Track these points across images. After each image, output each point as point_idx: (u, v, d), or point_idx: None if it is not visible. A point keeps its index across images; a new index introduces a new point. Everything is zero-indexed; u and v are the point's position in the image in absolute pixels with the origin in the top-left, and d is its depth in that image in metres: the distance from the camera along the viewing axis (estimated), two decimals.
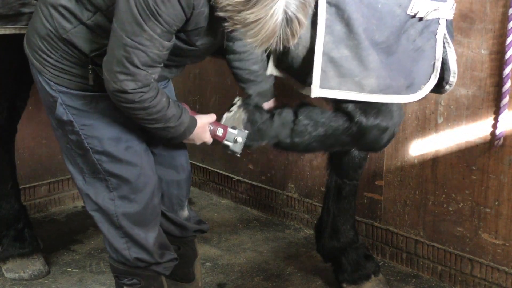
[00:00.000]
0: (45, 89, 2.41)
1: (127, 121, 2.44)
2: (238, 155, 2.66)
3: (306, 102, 2.74)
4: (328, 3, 2.50)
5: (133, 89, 2.17)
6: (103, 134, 2.42)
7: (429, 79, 2.67)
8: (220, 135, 2.59)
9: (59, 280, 3.42)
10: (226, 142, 2.61)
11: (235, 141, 2.61)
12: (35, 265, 3.43)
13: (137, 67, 2.15)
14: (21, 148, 4.03)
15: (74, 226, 4.06)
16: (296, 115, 2.70)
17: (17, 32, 2.80)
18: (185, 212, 2.86)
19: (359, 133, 2.68)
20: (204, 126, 2.52)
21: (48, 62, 2.36)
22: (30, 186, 4.18)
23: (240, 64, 2.66)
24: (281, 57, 2.70)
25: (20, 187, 3.59)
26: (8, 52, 3.09)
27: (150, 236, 2.57)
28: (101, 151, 2.43)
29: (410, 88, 2.64)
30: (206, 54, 2.50)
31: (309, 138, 2.70)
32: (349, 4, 2.49)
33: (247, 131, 2.64)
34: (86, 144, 2.42)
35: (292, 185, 4.05)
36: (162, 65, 2.24)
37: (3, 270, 3.44)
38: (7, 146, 3.37)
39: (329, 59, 2.54)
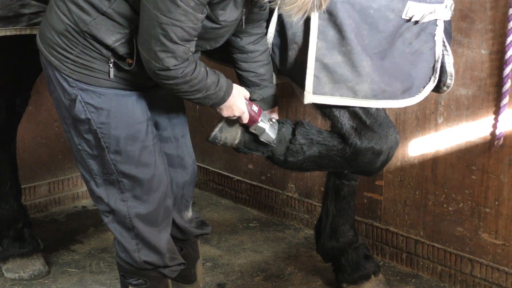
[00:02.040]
0: (63, 86, 2.39)
1: (144, 120, 2.45)
2: (273, 144, 2.63)
3: (305, 121, 2.73)
4: None
5: (174, 65, 2.20)
6: (120, 133, 2.41)
7: (429, 81, 2.67)
8: (256, 111, 2.56)
9: (59, 280, 3.42)
10: (261, 124, 2.58)
11: (271, 123, 2.61)
12: (35, 265, 3.43)
13: (176, 43, 2.17)
14: (21, 148, 4.03)
15: (74, 226, 4.06)
16: (294, 133, 2.68)
17: (18, 33, 2.80)
18: (189, 213, 2.87)
19: (353, 155, 2.67)
20: (240, 92, 2.51)
21: (68, 58, 2.34)
22: (30, 186, 4.18)
23: (246, 65, 2.65)
24: (281, 63, 2.69)
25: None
26: (8, 53, 3.08)
27: (163, 238, 2.58)
28: (117, 151, 2.42)
29: (408, 91, 2.63)
30: (224, 37, 2.49)
31: (303, 158, 2.68)
32: (340, 10, 2.49)
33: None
34: (103, 143, 2.41)
35: (292, 185, 4.05)
36: (196, 38, 2.26)
37: (3, 270, 3.44)
38: (7, 145, 3.37)
39: (322, 65, 2.54)
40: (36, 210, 4.21)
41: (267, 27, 2.65)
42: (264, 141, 2.62)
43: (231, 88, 2.45)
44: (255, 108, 2.55)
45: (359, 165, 2.70)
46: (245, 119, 2.54)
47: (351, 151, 2.66)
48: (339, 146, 2.68)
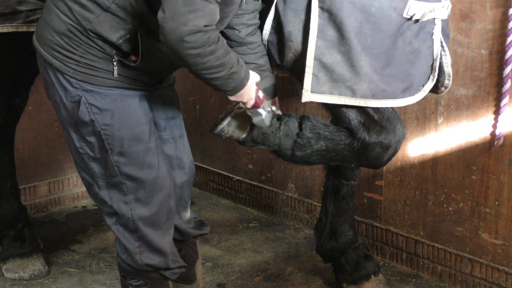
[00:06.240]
0: (66, 88, 2.37)
1: (147, 122, 2.45)
2: (265, 130, 2.59)
3: (311, 115, 2.72)
4: (321, 8, 2.50)
5: (205, 25, 2.13)
6: (124, 135, 2.40)
7: (428, 80, 2.67)
8: (261, 97, 2.49)
9: (59, 280, 3.42)
10: (260, 110, 2.53)
11: (269, 110, 2.57)
12: (35, 265, 3.43)
13: (205, 0, 2.12)
14: (21, 148, 4.03)
15: (74, 226, 4.06)
16: (301, 127, 2.67)
17: (14, 30, 2.81)
18: (188, 213, 2.86)
19: (361, 149, 2.66)
20: (254, 78, 2.44)
21: (70, 58, 2.33)
22: (30, 186, 4.18)
23: (247, 58, 2.64)
24: (279, 59, 2.69)
25: (20, 187, 3.59)
26: (5, 51, 3.08)
27: (166, 240, 2.57)
28: (121, 152, 2.42)
29: (408, 90, 2.62)
30: (227, 19, 2.46)
31: (310, 152, 2.67)
32: (341, 9, 2.48)
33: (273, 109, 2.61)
34: (107, 145, 2.40)
35: (292, 185, 4.05)
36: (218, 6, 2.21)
37: (3, 270, 3.44)
38: (6, 145, 3.37)
39: (321, 64, 2.54)
40: (36, 210, 4.21)
41: (263, 24, 2.65)
42: (256, 124, 2.58)
43: (249, 71, 2.39)
44: (261, 94, 2.50)
45: (366, 158, 2.70)
46: (249, 105, 2.47)
47: (359, 146, 2.65)
48: (346, 141, 2.67)
